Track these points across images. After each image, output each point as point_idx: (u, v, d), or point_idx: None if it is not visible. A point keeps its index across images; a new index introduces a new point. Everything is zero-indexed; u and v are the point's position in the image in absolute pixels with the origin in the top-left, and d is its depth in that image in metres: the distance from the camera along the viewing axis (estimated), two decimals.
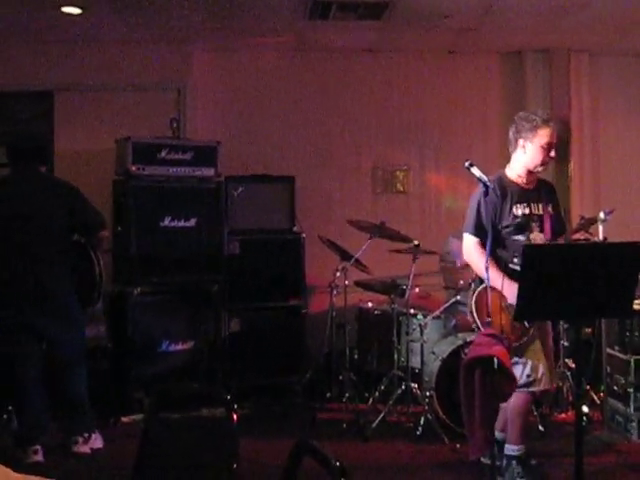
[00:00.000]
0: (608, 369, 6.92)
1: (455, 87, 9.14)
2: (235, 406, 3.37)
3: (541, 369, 5.26)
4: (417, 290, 7.54)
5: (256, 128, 8.79)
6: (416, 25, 8.03)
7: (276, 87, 8.87)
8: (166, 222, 7.46)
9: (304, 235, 7.94)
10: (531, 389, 5.29)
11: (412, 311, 7.17)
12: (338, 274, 7.31)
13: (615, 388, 6.83)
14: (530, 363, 5.24)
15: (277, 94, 8.87)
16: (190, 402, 3.55)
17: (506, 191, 5.36)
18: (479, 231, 5.25)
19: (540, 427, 6.71)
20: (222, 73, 8.80)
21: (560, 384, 6.96)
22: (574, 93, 9.16)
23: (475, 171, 4.90)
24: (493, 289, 4.97)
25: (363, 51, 8.90)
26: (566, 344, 6.97)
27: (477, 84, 9.18)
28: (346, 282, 7.32)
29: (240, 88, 8.82)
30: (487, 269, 4.81)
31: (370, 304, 7.91)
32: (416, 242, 6.95)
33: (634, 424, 6.52)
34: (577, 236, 7.20)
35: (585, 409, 6.90)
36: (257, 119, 8.81)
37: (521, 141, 5.37)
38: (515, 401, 5.26)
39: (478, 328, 5.12)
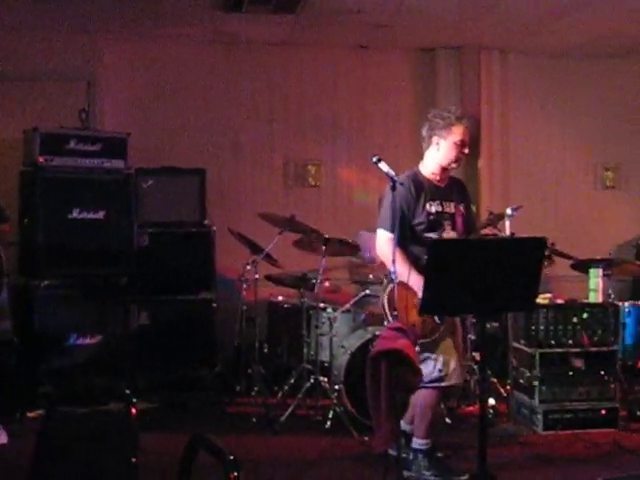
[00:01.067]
0: (514, 362, 7.04)
1: (368, 82, 9.19)
2: (135, 400, 3.31)
3: (452, 364, 5.31)
4: (327, 284, 7.55)
5: (167, 120, 8.71)
6: (329, 20, 8.05)
7: (188, 79, 8.80)
8: (74, 214, 7.35)
9: (215, 228, 7.88)
10: (442, 384, 5.33)
11: (322, 305, 7.18)
12: (248, 267, 7.30)
13: (521, 381, 6.96)
14: (441, 359, 5.28)
15: (189, 86, 8.80)
16: (94, 397, 3.50)
17: (420, 188, 5.38)
18: (393, 227, 5.19)
19: (447, 420, 6.81)
20: (134, 64, 8.70)
21: (468, 377, 7.04)
22: (484, 90, 9.30)
23: (383, 166, 4.92)
24: (404, 285, 5.01)
25: (276, 44, 8.89)
26: (473, 338, 7.05)
27: (389, 80, 9.24)
28: (256, 276, 7.31)
29: (152, 79, 8.74)
30: (394, 263, 4.84)
31: (280, 298, 7.92)
32: (326, 236, 6.96)
33: (539, 416, 6.65)
34: (486, 231, 7.30)
35: (492, 402, 7.02)
36: (169, 111, 8.73)
37: (435, 138, 5.40)
38: (425, 396, 5.32)
39: (388, 323, 5.15)
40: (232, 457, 2.00)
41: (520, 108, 9.54)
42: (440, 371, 5.27)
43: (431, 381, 5.22)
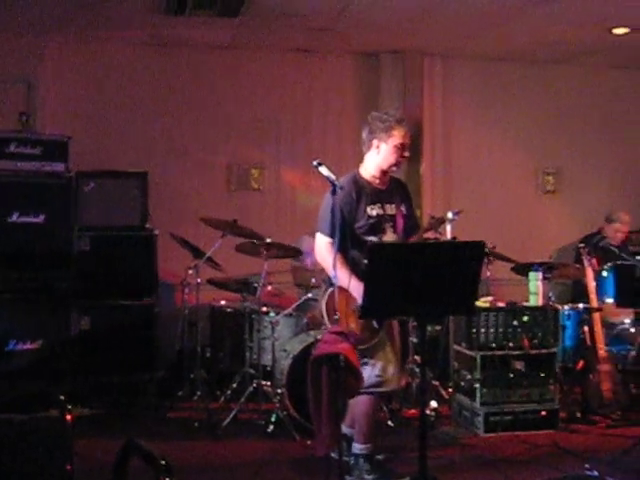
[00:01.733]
0: (455, 365, 7.09)
1: (311, 86, 9.20)
2: (70, 407, 3.27)
3: (390, 370, 5.33)
4: (270, 288, 7.56)
5: (109, 123, 8.64)
6: (272, 23, 8.04)
7: (131, 82, 8.74)
8: (14, 218, 7.23)
9: (157, 232, 7.79)
10: (380, 390, 5.35)
11: (264, 309, 7.18)
12: (190, 272, 7.28)
13: (462, 384, 7.02)
14: (379, 364, 5.30)
15: (132, 89, 8.74)
16: (32, 403, 3.45)
17: (361, 191, 5.39)
18: (333, 231, 5.19)
19: (389, 422, 6.84)
20: (75, 67, 8.61)
21: (410, 380, 7.07)
22: (427, 95, 9.38)
23: (323, 170, 4.91)
24: (343, 290, 5.02)
25: (220, 48, 8.87)
26: (415, 341, 7.09)
27: (332, 83, 9.27)
28: (198, 280, 7.28)
29: (94, 82, 8.65)
30: (335, 267, 4.85)
31: (223, 302, 7.90)
32: (269, 240, 6.95)
33: (480, 418, 6.71)
34: (427, 235, 7.34)
35: (433, 404, 7.07)
36: (111, 114, 8.66)
37: (375, 141, 5.41)
38: (364, 401, 5.34)
39: (327, 328, 5.16)
40: (164, 462, 1.99)
41: (462, 113, 9.62)
42: (378, 377, 5.29)
43: (369, 387, 5.23)
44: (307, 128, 9.14)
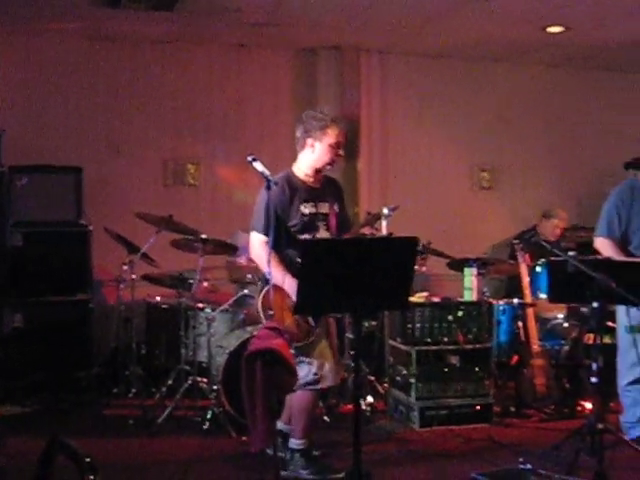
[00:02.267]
0: (391, 360, 7.12)
1: (247, 81, 9.17)
2: None
3: (327, 366, 5.35)
4: (205, 284, 7.52)
5: (44, 117, 8.52)
6: (207, 18, 8.00)
7: (67, 75, 8.61)
8: None
9: (91, 227, 7.74)
10: (317, 387, 5.37)
11: (200, 305, 7.15)
12: (125, 268, 7.20)
13: (397, 379, 7.05)
14: (316, 362, 5.31)
15: (66, 83, 8.61)
16: None
17: (294, 190, 5.38)
18: (267, 229, 5.17)
19: (326, 418, 6.86)
20: (9, 59, 8.46)
21: (346, 376, 7.08)
22: (364, 91, 9.40)
23: (258, 166, 4.90)
24: (278, 288, 5.01)
25: (156, 42, 8.79)
26: (351, 337, 7.11)
27: (269, 79, 9.25)
28: (133, 276, 7.20)
29: (28, 75, 8.52)
30: (269, 264, 4.84)
31: (158, 298, 7.86)
32: (204, 236, 6.91)
33: (415, 413, 6.75)
34: (364, 231, 7.38)
35: (369, 400, 7.10)
36: (45, 108, 8.54)
37: (310, 140, 5.39)
38: (301, 398, 5.34)
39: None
40: (88, 460, 1.96)
41: (399, 109, 9.66)
42: (315, 374, 5.30)
43: (306, 384, 5.25)
44: (244, 124, 9.10)
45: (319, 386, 5.36)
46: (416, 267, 7.27)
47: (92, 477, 1.91)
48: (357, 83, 9.31)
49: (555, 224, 8.65)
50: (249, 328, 6.79)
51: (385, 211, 6.02)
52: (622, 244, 6.22)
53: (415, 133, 9.71)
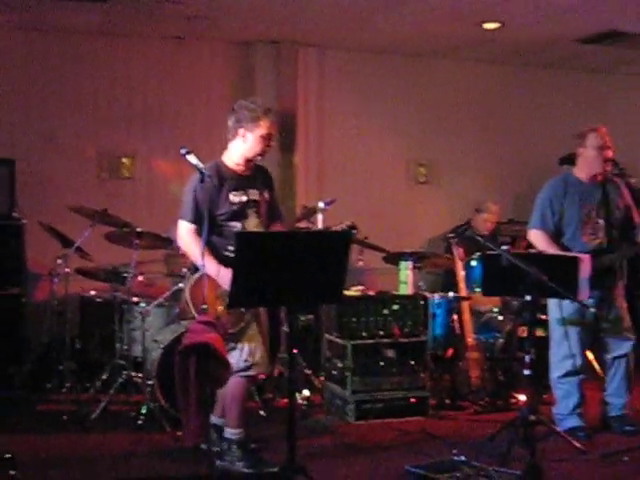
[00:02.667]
0: (327, 354, 7.13)
1: (184, 74, 9.09)
2: None
3: (258, 353, 5.34)
4: (141, 278, 7.46)
5: None
6: (143, 9, 7.91)
7: None
8: None
9: (24, 221, 7.64)
10: (249, 373, 5.36)
11: (135, 299, 7.10)
12: (59, 261, 7.11)
13: (334, 372, 7.06)
14: (247, 348, 5.30)
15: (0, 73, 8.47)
16: None
17: (223, 179, 5.37)
18: (196, 218, 5.21)
19: (262, 412, 6.85)
20: None
21: (283, 370, 7.08)
22: (301, 85, 9.38)
23: (191, 158, 4.90)
24: (208, 277, 5.00)
25: (91, 33, 8.67)
26: (288, 330, 7.10)
27: (205, 72, 9.19)
28: (67, 270, 7.11)
29: None
30: (203, 256, 4.82)
31: (92, 292, 7.77)
32: (139, 229, 6.85)
33: (351, 406, 6.77)
34: (301, 225, 7.38)
35: (306, 393, 7.11)
36: None
37: (241, 130, 5.39)
38: (233, 386, 5.31)
39: (193, 317, 5.13)
40: (9, 455, 1.93)
41: (337, 104, 9.66)
42: (246, 361, 5.29)
43: (238, 371, 5.23)
44: (180, 116, 9.02)
45: (251, 372, 5.35)
46: (352, 261, 7.30)
47: (12, 472, 1.88)
48: (294, 77, 9.29)
49: (485, 218, 8.75)
50: (184, 322, 6.72)
51: (321, 205, 6.03)
52: (555, 236, 6.32)
53: (352, 127, 9.72)
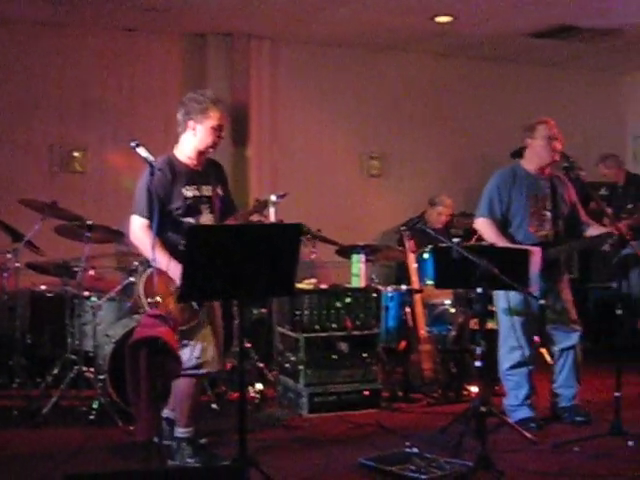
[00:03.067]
0: (280, 347, 7.13)
1: (137, 67, 9.04)
2: None
3: (210, 351, 5.33)
4: (92, 272, 7.40)
5: None
6: (96, 1, 7.85)
7: None
8: None
9: None
10: (201, 371, 5.34)
11: (86, 293, 7.04)
12: (9, 256, 7.02)
13: (287, 365, 7.07)
14: (199, 346, 5.28)
15: None
16: None
17: (175, 173, 5.32)
18: (148, 212, 5.14)
19: (214, 406, 6.84)
20: None
21: (235, 363, 7.05)
22: (254, 78, 9.35)
23: (141, 151, 4.86)
24: (161, 272, 4.97)
25: (43, 25, 8.58)
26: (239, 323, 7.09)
27: (159, 64, 9.14)
28: (17, 264, 7.03)
29: None
30: (154, 250, 4.80)
31: (43, 287, 7.70)
32: (90, 222, 6.80)
33: (304, 399, 6.79)
34: (253, 218, 7.34)
35: (259, 387, 7.11)
36: None
37: (191, 123, 5.35)
38: (184, 384, 5.29)
39: (145, 311, 5.10)
40: None
41: (290, 97, 9.65)
42: (198, 359, 5.27)
43: (189, 369, 5.21)
44: (132, 109, 8.96)
45: (202, 371, 5.33)
46: (305, 254, 7.31)
47: None
48: (247, 70, 9.26)
49: (439, 211, 8.81)
50: (136, 316, 6.70)
51: (273, 198, 6.00)
52: (502, 226, 6.39)
53: (306, 121, 9.71)
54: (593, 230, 6.45)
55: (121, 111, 8.94)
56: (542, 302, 6.02)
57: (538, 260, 5.67)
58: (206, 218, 5.36)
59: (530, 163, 6.48)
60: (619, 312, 6.06)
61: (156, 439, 5.13)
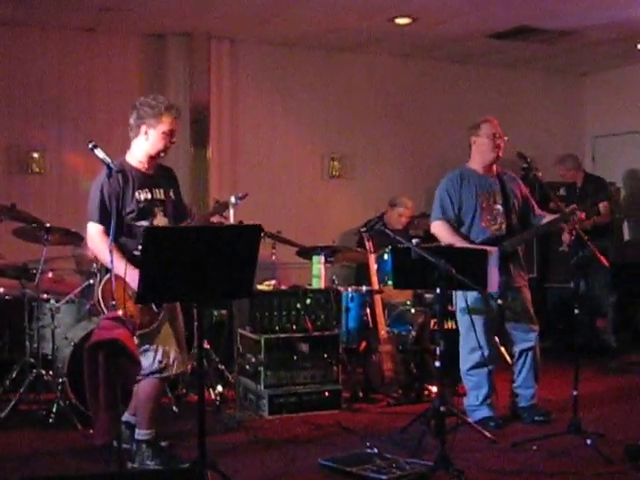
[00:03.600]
0: (240, 348, 7.11)
1: (95, 67, 8.97)
2: None
3: (172, 354, 5.32)
4: (50, 274, 7.35)
5: None
6: (54, 1, 7.79)
7: None
8: None
9: None
10: (163, 375, 5.33)
11: (44, 296, 6.99)
12: None
13: (247, 367, 7.05)
14: (161, 349, 5.27)
15: None
16: None
17: (128, 177, 5.29)
18: (104, 218, 5.13)
19: (174, 408, 6.80)
20: None
21: (195, 365, 7.04)
22: (214, 79, 9.32)
23: (99, 153, 4.85)
24: (119, 277, 4.94)
25: (0, 24, 8.47)
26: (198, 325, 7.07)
27: (118, 65, 9.06)
28: None
29: None
30: (111, 254, 4.78)
31: (1, 289, 7.61)
32: (48, 225, 6.75)
33: (265, 401, 6.78)
34: (214, 220, 7.32)
35: (220, 389, 7.09)
36: None
37: (144, 127, 5.32)
38: (146, 387, 5.28)
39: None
40: None
41: (251, 97, 9.63)
42: (160, 362, 5.27)
43: (151, 372, 5.21)
44: (91, 110, 8.90)
45: (164, 374, 5.32)
46: (266, 256, 7.31)
47: None
48: (207, 70, 9.21)
49: (400, 212, 8.85)
50: (95, 319, 6.63)
51: (232, 199, 6.00)
52: (457, 226, 6.46)
53: (266, 121, 9.70)
54: (548, 219, 6.53)
55: (80, 112, 8.87)
56: (500, 302, 6.05)
57: (496, 259, 5.71)
58: (160, 221, 5.34)
59: (476, 163, 6.61)
60: (577, 311, 6.11)
61: (115, 442, 5.12)
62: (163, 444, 5.59)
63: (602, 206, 8.82)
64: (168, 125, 5.31)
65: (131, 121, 5.38)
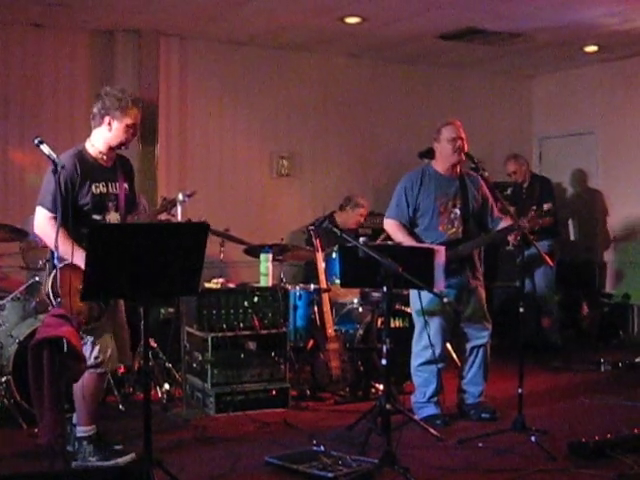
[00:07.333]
0: (187, 347, 7.09)
1: (44, 63, 8.88)
2: None
3: (109, 350, 5.31)
4: None
5: None
6: None
7: None
8: None
9: None
10: (99, 370, 5.32)
11: None
12: None
13: (194, 365, 7.04)
14: (98, 345, 5.26)
15: None
16: None
17: (86, 168, 5.27)
18: (55, 206, 5.03)
19: (121, 406, 6.74)
20: None
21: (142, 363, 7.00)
22: (163, 76, 9.28)
23: (44, 148, 4.81)
24: (68, 270, 4.91)
25: None
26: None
27: (65, 61, 8.98)
28: None
29: None
30: (57, 241, 4.73)
31: None
32: None
33: (212, 399, 6.77)
34: (161, 217, 7.29)
35: (166, 387, 7.06)
36: None
37: (107, 118, 5.29)
38: (83, 382, 5.23)
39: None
40: None
41: (200, 95, 9.61)
42: (96, 358, 5.25)
43: (89, 367, 5.16)
44: (37, 105, 8.79)
45: (100, 370, 5.32)
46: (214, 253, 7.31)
47: None
48: (156, 67, 9.17)
49: (362, 213, 8.93)
50: (41, 316, 6.59)
51: (180, 197, 5.99)
52: (410, 226, 6.49)
53: (216, 119, 9.68)
54: (504, 224, 6.58)
55: (26, 107, 8.76)
56: (446, 300, 6.06)
57: (442, 258, 5.75)
58: (112, 216, 5.34)
59: (439, 164, 6.62)
60: (522, 310, 6.18)
61: (60, 441, 5.08)
62: (118, 448, 5.53)
63: (546, 206, 8.91)
64: (133, 118, 5.32)
65: (94, 110, 5.34)
